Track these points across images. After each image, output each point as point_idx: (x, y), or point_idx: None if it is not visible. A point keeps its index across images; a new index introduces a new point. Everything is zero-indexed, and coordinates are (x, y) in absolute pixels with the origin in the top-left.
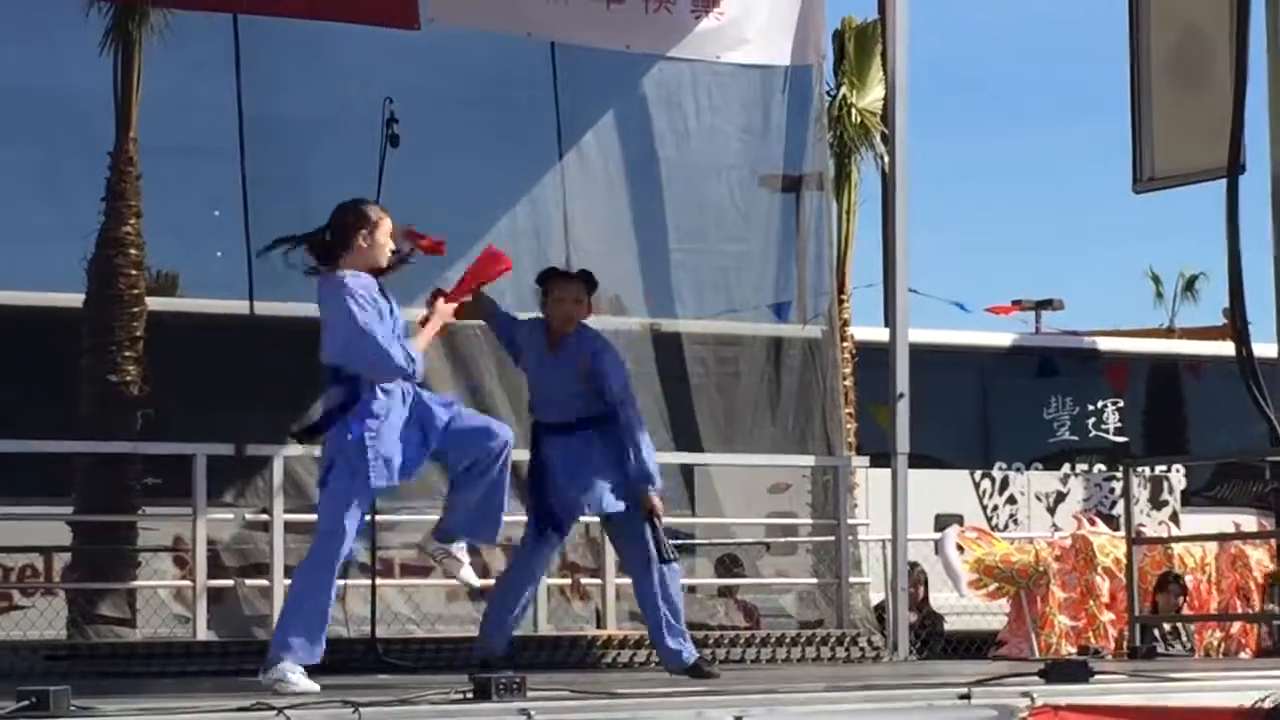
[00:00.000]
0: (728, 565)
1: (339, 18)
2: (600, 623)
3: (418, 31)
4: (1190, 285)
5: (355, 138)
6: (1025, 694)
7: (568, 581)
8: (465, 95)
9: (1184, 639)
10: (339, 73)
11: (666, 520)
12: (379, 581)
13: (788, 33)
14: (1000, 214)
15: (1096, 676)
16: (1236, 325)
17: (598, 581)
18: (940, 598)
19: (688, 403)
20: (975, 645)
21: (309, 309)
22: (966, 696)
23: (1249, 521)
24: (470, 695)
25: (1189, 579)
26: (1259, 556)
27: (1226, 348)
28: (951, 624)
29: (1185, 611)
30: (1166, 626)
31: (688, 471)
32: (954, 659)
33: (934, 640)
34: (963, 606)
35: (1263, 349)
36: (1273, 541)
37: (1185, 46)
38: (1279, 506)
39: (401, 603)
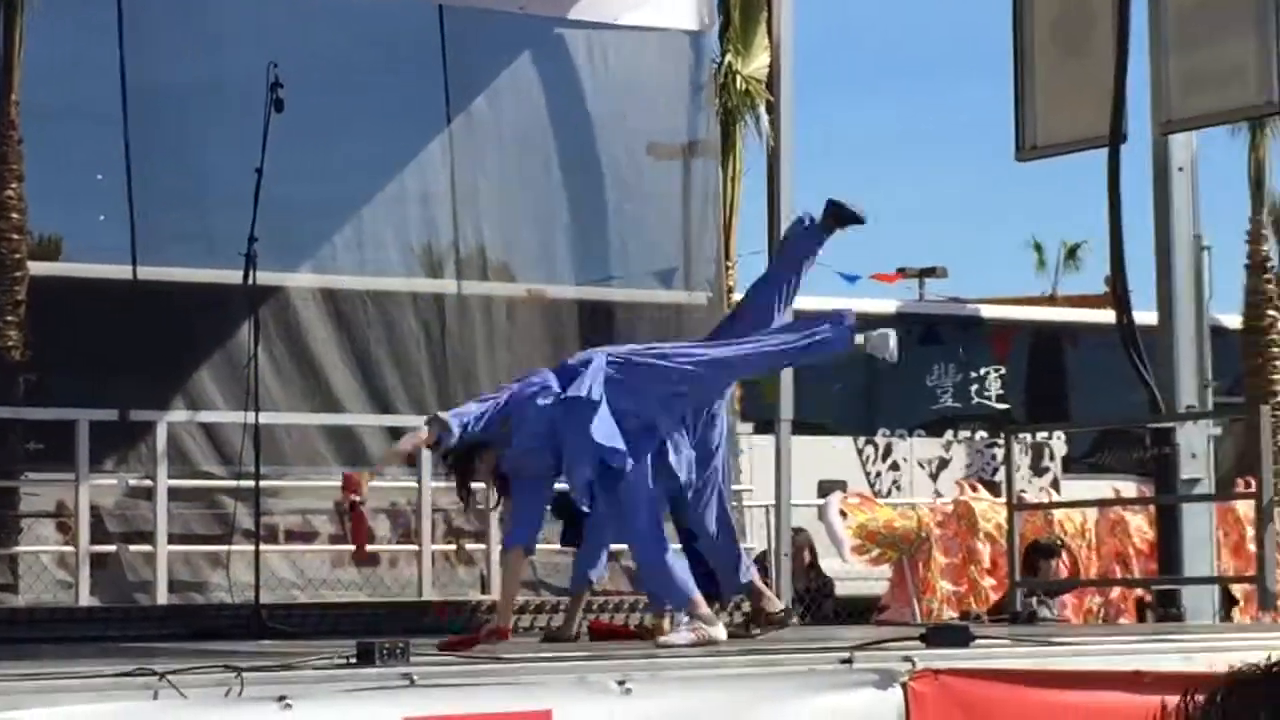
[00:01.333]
0: None
1: None
2: (485, 588)
3: None
4: (1073, 253)
5: (240, 103)
6: (906, 658)
7: (452, 547)
8: (352, 59)
9: (1049, 606)
10: (224, 37)
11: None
12: (263, 547)
13: None
14: (886, 182)
15: (977, 641)
16: (1117, 293)
17: (482, 546)
18: (827, 564)
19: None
20: (860, 610)
21: (191, 274)
22: (848, 661)
23: (1129, 488)
24: (353, 660)
25: (1077, 545)
26: (1138, 523)
27: (1108, 315)
28: (839, 589)
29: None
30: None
31: None
32: (839, 624)
33: (825, 603)
34: (849, 572)
35: (1143, 316)
36: (1152, 508)
37: (1068, 16)
38: (1158, 473)
39: (286, 568)
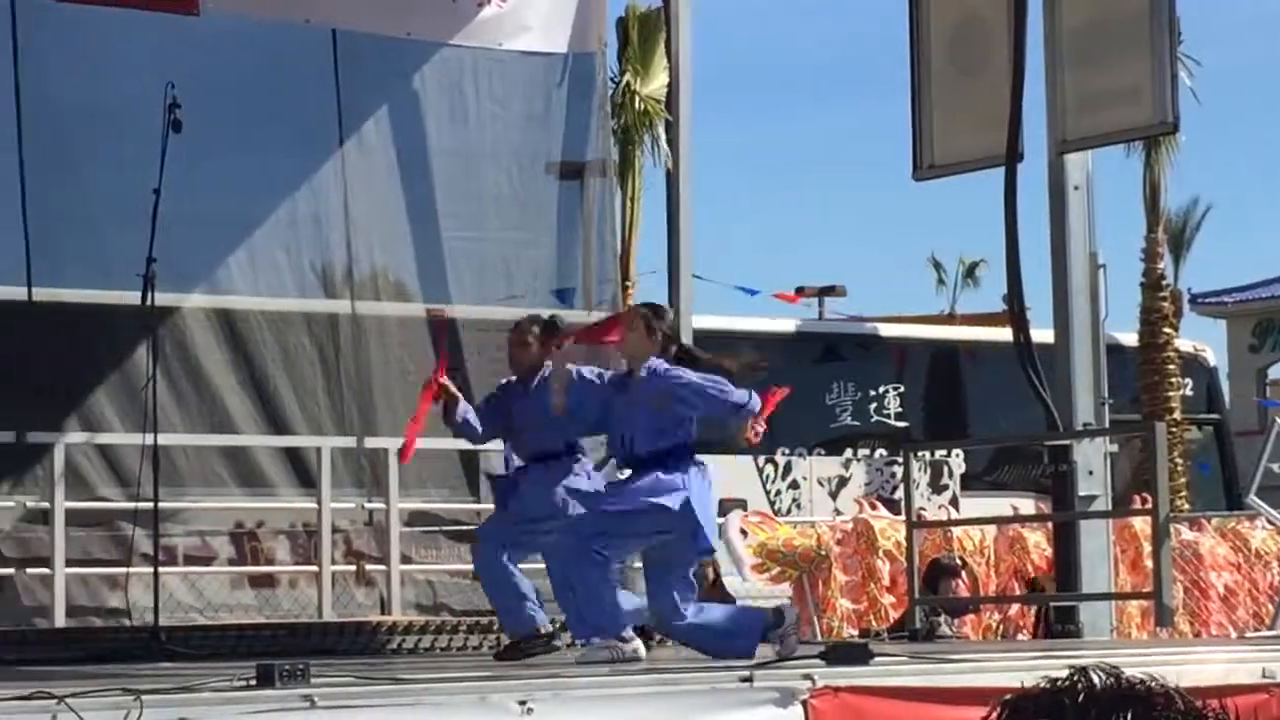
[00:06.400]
0: None
1: (120, 3)
2: (385, 609)
3: (199, 18)
4: (971, 272)
5: (137, 125)
6: (806, 676)
7: (352, 568)
8: (248, 82)
9: (948, 624)
10: (121, 59)
11: (445, 505)
12: (162, 570)
13: (569, 20)
14: (786, 201)
15: (877, 658)
16: (1014, 311)
17: (383, 568)
18: (729, 582)
19: (467, 387)
20: None
21: (88, 295)
22: (748, 679)
23: (1027, 504)
24: (253, 682)
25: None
26: (1036, 539)
27: (1006, 333)
28: None
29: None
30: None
31: (470, 458)
32: None
33: None
34: (750, 590)
35: (1041, 334)
36: (1049, 524)
37: (965, 34)
38: (1056, 490)
39: (185, 591)
